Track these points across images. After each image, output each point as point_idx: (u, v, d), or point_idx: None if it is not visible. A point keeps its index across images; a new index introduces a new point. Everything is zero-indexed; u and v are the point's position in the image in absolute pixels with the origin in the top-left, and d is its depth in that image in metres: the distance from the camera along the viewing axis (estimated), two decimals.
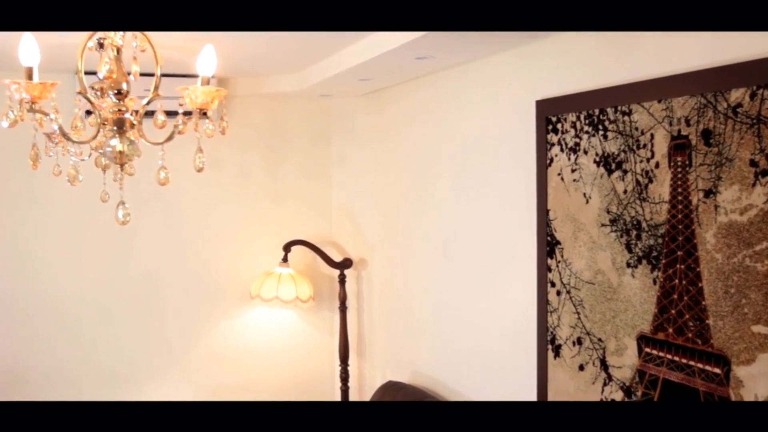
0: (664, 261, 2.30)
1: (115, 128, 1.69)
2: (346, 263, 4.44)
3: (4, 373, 4.07)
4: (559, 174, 2.78)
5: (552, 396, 2.84)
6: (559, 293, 2.80)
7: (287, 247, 4.41)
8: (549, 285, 2.85)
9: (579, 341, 2.69)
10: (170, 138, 1.71)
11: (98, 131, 1.73)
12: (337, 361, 4.58)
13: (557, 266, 2.81)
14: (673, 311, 2.27)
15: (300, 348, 4.74)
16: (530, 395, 3.02)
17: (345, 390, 4.48)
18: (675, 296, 2.26)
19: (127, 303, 4.31)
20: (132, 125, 1.71)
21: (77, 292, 4.20)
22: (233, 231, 4.54)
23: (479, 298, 3.40)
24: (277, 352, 4.68)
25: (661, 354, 2.32)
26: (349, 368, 4.51)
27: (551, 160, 2.83)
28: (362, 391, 4.62)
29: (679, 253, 2.24)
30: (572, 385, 2.73)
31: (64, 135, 1.70)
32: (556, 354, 2.82)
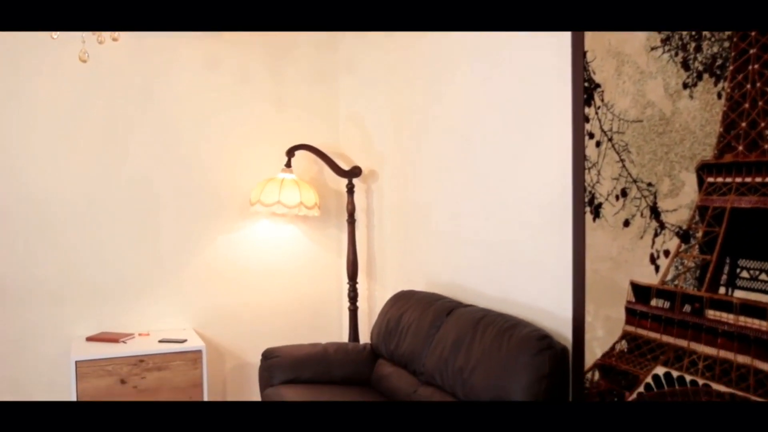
0: (732, 66, 1.93)
1: None
2: (355, 171, 4.08)
3: None
4: None
5: (590, 265, 2.47)
6: (598, 144, 2.43)
7: (291, 152, 4.06)
8: (587, 137, 2.49)
9: (623, 193, 2.33)
10: None
11: None
12: (345, 280, 4.22)
13: (596, 113, 2.44)
14: (743, 123, 1.90)
15: (305, 267, 4.38)
16: (565, 275, 2.66)
17: (353, 310, 4.13)
18: (746, 105, 1.89)
19: (117, 212, 3.96)
20: None
21: (63, 198, 3.85)
22: (232, 138, 4.19)
23: (502, 184, 3.04)
24: (279, 270, 4.32)
25: (728, 180, 1.95)
26: (357, 287, 4.15)
27: None
28: (372, 313, 4.26)
29: (752, 51, 1.87)
30: (615, 246, 2.36)
31: None
32: (596, 215, 2.45)
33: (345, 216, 4.24)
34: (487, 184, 3.17)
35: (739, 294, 1.93)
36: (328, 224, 4.41)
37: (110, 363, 3.52)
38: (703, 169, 2.03)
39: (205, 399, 3.69)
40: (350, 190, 4.09)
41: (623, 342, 2.34)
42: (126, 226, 3.98)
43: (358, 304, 4.18)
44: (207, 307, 4.16)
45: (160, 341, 3.75)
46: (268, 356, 3.44)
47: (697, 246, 2.06)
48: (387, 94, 4.06)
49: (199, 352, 3.68)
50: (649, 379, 2.23)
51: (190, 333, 3.96)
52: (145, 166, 4.01)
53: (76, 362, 3.46)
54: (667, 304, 2.17)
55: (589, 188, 2.49)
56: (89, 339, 3.77)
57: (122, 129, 3.96)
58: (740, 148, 1.91)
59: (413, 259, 3.84)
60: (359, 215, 4.31)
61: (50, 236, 3.83)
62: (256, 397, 4.26)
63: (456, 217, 3.42)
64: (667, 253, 2.17)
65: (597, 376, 2.46)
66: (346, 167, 4.19)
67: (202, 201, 4.13)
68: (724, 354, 1.97)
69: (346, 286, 4.22)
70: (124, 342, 3.72)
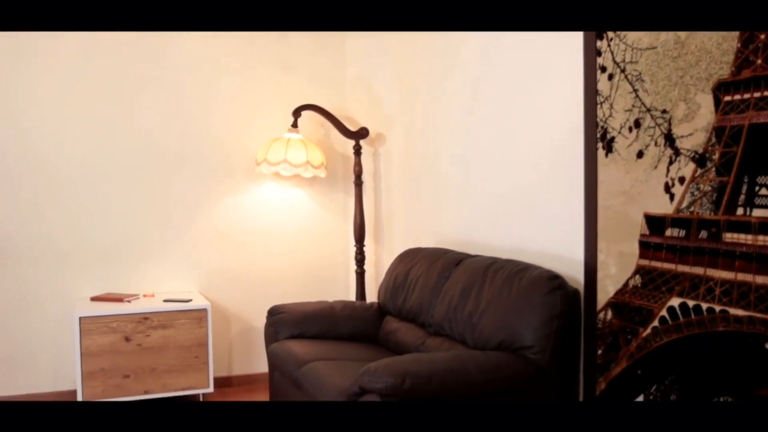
0: None
1: None
2: (362, 133, 4.03)
3: None
4: None
5: (602, 202, 2.42)
6: (611, 77, 2.38)
7: (297, 112, 4.01)
8: (599, 72, 2.43)
9: (637, 124, 2.27)
10: None
11: None
12: (352, 243, 4.17)
13: (609, 45, 2.38)
14: (762, 36, 1.84)
15: (311, 231, 4.34)
16: (577, 216, 2.60)
17: (360, 273, 4.08)
18: None
19: (123, 173, 3.93)
20: None
21: (69, 158, 3.82)
22: (239, 100, 4.15)
23: (513, 130, 2.99)
24: (286, 234, 4.28)
25: (746, 96, 1.90)
26: (364, 250, 4.10)
27: None
28: (378, 277, 4.21)
29: None
30: (628, 180, 2.31)
31: None
32: (608, 150, 2.40)
33: (352, 179, 4.19)
34: (497, 132, 3.11)
35: (757, 213, 1.87)
36: (335, 188, 4.37)
37: (115, 320, 3.49)
38: (720, 89, 1.97)
39: (210, 359, 3.65)
40: (357, 151, 4.04)
41: (637, 277, 2.29)
42: (132, 187, 3.94)
43: (365, 268, 4.13)
44: (212, 270, 4.12)
45: (164, 300, 3.71)
46: (274, 312, 3.39)
47: (713, 168, 2.00)
48: (394, 56, 4.01)
49: (204, 310, 3.64)
50: (663, 312, 2.18)
51: (196, 295, 3.92)
52: (153, 127, 3.97)
53: (80, 318, 3.42)
54: (682, 233, 2.11)
55: (601, 123, 2.43)
56: (93, 299, 3.74)
57: (130, 90, 3.93)
58: (759, 61, 1.86)
59: (421, 220, 3.79)
60: (366, 179, 4.27)
61: (56, 197, 3.80)
62: (262, 358, 4.22)
63: (466, 171, 3.36)
64: (682, 180, 2.11)
65: (610, 315, 2.41)
66: (353, 129, 4.14)
67: (208, 163, 4.09)
68: (742, 277, 1.92)
69: (353, 250, 4.17)
70: (128, 302, 3.68)
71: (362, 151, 4.12)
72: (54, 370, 3.80)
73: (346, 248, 4.42)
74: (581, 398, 2.57)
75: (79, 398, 3.44)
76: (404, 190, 3.95)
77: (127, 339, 3.51)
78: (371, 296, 4.20)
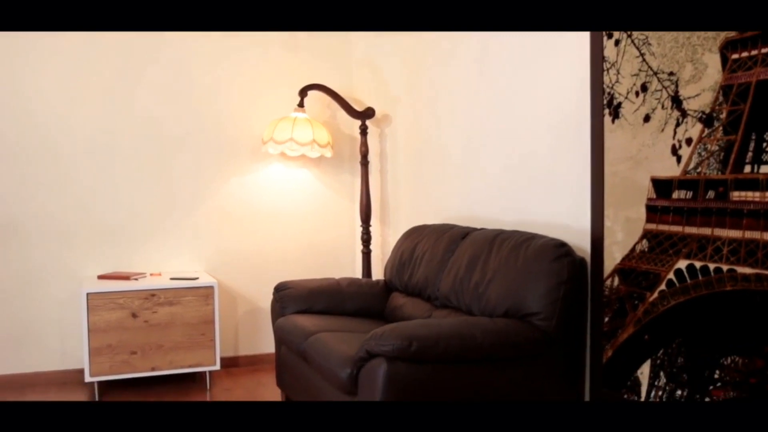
0: None
1: None
2: (368, 113, 4.03)
3: None
4: None
5: (609, 168, 2.41)
6: (617, 42, 2.37)
7: (303, 92, 4.01)
8: (605, 38, 2.43)
9: (644, 88, 2.27)
10: None
11: None
12: (359, 224, 4.17)
13: None
14: None
15: (318, 212, 4.34)
16: (583, 184, 2.60)
17: (367, 253, 4.08)
18: None
19: (129, 152, 3.94)
20: None
21: (75, 137, 3.83)
22: (245, 80, 4.15)
23: (520, 101, 2.99)
24: (292, 215, 4.28)
25: (754, 53, 1.89)
26: (371, 229, 4.10)
27: None
28: (384, 258, 4.21)
29: None
30: (635, 144, 2.30)
31: None
32: (615, 116, 2.39)
33: (358, 160, 4.19)
34: (503, 104, 3.11)
35: (765, 169, 1.86)
36: (341, 169, 4.37)
37: (122, 296, 3.50)
38: (728, 47, 1.96)
39: (217, 336, 3.66)
40: (363, 131, 4.04)
41: (644, 242, 2.28)
42: (138, 167, 3.95)
43: (371, 248, 4.13)
44: (219, 250, 4.13)
45: (171, 279, 3.72)
46: (281, 288, 3.40)
47: (721, 128, 1.99)
48: (400, 36, 4.01)
49: (211, 288, 3.65)
50: (671, 275, 2.17)
51: (202, 275, 3.92)
52: (158, 106, 3.98)
53: (88, 294, 3.44)
54: (689, 194, 2.10)
55: (607, 89, 2.43)
56: (101, 277, 3.75)
57: (135, 69, 3.94)
58: None
59: (427, 200, 3.79)
60: (372, 160, 4.27)
61: (62, 176, 3.81)
62: (269, 338, 4.23)
63: (471, 146, 3.36)
64: (689, 141, 2.10)
65: (616, 281, 2.40)
66: (359, 109, 4.14)
67: (214, 142, 4.09)
68: (750, 234, 1.91)
69: (359, 230, 4.16)
70: (135, 279, 3.69)
71: (368, 131, 4.12)
72: (61, 349, 3.82)
73: (352, 228, 4.42)
74: (588, 365, 2.56)
75: (86, 375, 3.45)
76: (410, 170, 3.95)
77: (134, 315, 3.52)
78: (377, 276, 4.20)
